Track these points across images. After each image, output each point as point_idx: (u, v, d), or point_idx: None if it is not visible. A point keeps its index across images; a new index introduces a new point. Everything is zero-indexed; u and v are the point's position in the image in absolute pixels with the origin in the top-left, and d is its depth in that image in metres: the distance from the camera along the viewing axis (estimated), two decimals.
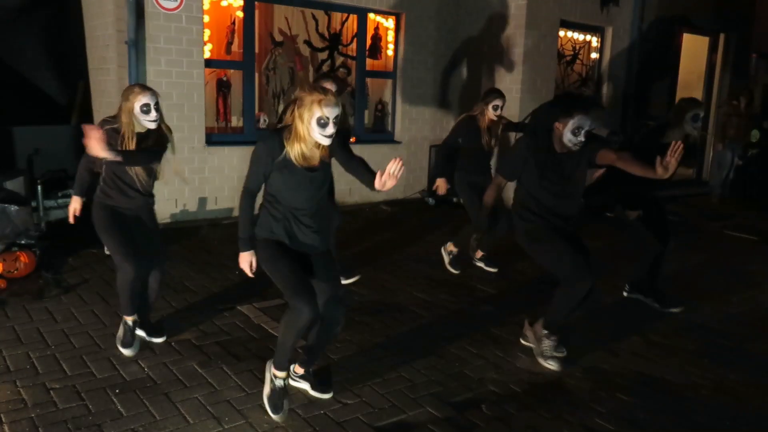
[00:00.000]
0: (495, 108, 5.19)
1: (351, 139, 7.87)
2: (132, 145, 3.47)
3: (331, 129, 2.82)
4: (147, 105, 3.44)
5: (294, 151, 2.88)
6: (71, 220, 3.71)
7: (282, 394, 3.08)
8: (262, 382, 3.40)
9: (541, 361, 3.78)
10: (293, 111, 2.87)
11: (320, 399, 3.26)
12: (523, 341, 4.03)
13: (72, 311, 4.27)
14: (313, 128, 2.82)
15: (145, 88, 3.51)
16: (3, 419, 2.97)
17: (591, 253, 3.81)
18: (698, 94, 10.78)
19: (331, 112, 2.80)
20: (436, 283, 5.22)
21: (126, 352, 3.65)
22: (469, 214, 5.40)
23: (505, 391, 3.47)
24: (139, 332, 3.79)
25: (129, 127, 3.47)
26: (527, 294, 5.02)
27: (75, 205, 3.69)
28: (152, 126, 3.50)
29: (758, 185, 9.66)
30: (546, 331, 3.80)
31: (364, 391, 3.36)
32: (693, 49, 10.42)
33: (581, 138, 3.58)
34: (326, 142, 2.85)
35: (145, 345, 3.78)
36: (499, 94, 5.26)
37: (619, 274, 5.21)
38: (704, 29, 10.33)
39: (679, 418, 3.28)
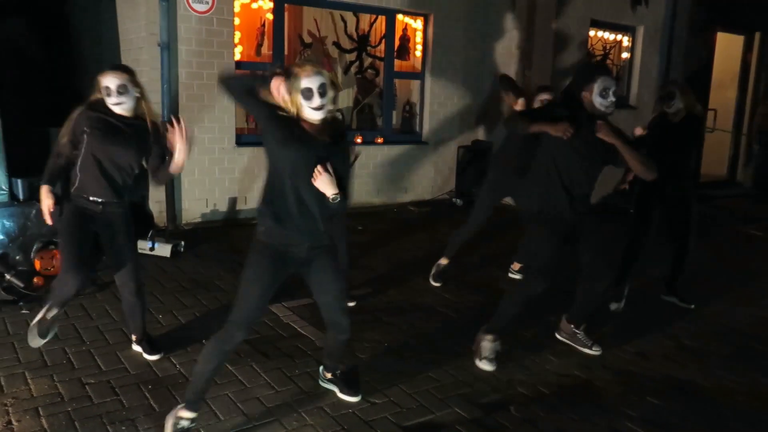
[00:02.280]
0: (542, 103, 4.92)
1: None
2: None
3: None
4: (107, 88, 3.24)
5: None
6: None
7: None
8: (291, 380, 3.44)
9: (476, 361, 3.74)
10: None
11: (349, 402, 3.28)
12: (558, 336, 4.01)
13: (106, 308, 4.36)
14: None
15: (112, 68, 3.28)
16: (41, 413, 3.05)
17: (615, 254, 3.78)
18: (732, 94, 10.59)
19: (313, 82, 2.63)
20: (464, 283, 5.21)
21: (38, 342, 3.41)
22: (475, 213, 5.09)
23: (533, 393, 3.46)
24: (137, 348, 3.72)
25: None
26: (555, 296, 4.97)
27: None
28: (118, 110, 3.29)
29: None
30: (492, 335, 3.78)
31: (392, 390, 3.38)
32: (727, 48, 10.22)
33: (612, 98, 3.47)
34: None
35: (177, 343, 3.85)
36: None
37: (648, 275, 5.15)
38: (739, 28, 10.14)
39: (713, 424, 3.23)
